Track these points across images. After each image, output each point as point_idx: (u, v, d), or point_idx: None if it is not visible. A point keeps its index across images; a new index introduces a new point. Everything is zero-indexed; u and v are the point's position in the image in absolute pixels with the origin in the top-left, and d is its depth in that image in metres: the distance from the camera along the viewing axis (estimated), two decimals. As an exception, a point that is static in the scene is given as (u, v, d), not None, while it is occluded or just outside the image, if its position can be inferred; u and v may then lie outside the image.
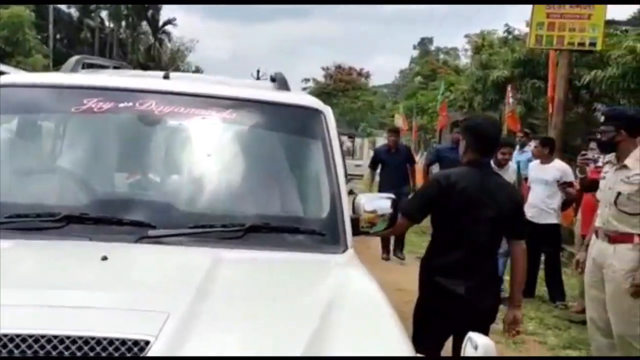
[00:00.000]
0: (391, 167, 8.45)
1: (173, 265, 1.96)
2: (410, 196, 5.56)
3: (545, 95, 11.23)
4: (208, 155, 2.51)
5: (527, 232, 3.47)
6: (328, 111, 2.67)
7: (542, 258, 6.71)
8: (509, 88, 12.91)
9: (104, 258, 1.79)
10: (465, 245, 3.14)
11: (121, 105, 2.44)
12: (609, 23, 9.87)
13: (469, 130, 3.33)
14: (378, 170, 8.90)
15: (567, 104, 9.90)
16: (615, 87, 8.19)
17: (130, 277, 1.80)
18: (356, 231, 2.40)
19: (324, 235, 2.28)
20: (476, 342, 1.58)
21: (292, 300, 1.83)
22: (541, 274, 6.71)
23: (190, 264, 1.96)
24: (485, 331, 3.17)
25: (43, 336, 1.36)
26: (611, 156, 4.15)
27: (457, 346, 3.15)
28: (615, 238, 3.92)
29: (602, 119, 4.05)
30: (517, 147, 8.66)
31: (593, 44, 9.09)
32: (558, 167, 6.45)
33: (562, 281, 6.56)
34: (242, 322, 1.60)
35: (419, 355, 1.63)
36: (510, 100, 12.72)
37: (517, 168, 7.10)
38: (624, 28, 10.89)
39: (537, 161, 6.67)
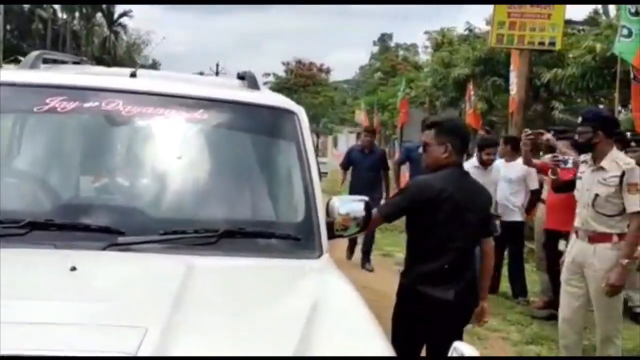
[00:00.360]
0: (363, 170, 7.93)
1: (145, 274, 1.88)
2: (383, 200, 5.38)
3: (506, 93, 11.44)
4: (179, 158, 2.42)
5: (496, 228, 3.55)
6: (301, 112, 2.62)
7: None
8: (470, 86, 13.11)
9: (73, 269, 1.70)
10: (452, 250, 3.10)
11: (86, 105, 2.33)
12: (567, 23, 10.07)
13: (454, 132, 3.22)
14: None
15: (527, 103, 10.08)
16: (574, 87, 8.37)
17: (102, 289, 1.70)
18: (331, 234, 2.36)
19: (299, 239, 2.23)
20: (462, 351, 1.56)
21: (272, 309, 1.78)
22: (503, 270, 6.81)
23: (163, 273, 1.88)
24: (461, 332, 3.22)
25: (11, 358, 1.27)
26: (586, 156, 4.19)
27: (433, 352, 3.14)
28: (594, 238, 4.00)
29: (579, 120, 4.09)
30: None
31: (552, 44, 9.27)
32: (522, 166, 6.55)
33: (524, 277, 6.67)
34: (224, 333, 1.54)
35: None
36: (472, 97, 12.91)
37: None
38: (580, 28, 11.16)
39: (502, 160, 6.77)
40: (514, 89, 9.99)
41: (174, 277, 1.76)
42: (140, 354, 1.30)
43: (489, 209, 3.36)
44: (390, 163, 8.83)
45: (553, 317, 5.16)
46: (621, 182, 3.89)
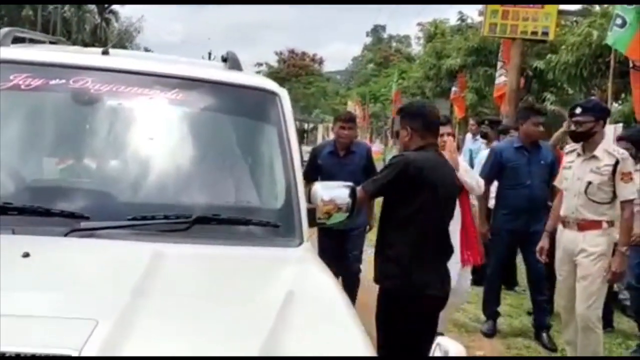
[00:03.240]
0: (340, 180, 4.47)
1: (106, 262, 1.73)
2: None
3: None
4: (150, 139, 2.28)
5: None
6: (284, 94, 2.49)
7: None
8: (459, 75, 13.13)
9: (26, 255, 1.56)
10: (435, 235, 3.15)
11: (52, 82, 2.20)
12: (560, 13, 9.96)
13: (413, 115, 3.26)
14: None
15: (518, 93, 9.98)
16: (567, 75, 8.26)
17: (55, 278, 1.55)
18: (312, 223, 2.24)
19: (278, 227, 2.11)
20: (447, 347, 1.44)
21: (242, 301, 1.64)
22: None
23: (126, 261, 1.74)
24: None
25: None
26: (573, 146, 4.28)
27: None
28: (584, 226, 4.05)
29: (579, 110, 4.09)
30: (471, 135, 8.76)
31: (546, 33, 9.17)
32: None
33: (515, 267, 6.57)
34: (184, 328, 1.41)
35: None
36: (454, 89, 13.07)
37: (470, 156, 7.18)
38: (574, 19, 11.05)
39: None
40: (499, 77, 9.96)
41: (138, 265, 1.62)
42: (85, 353, 1.17)
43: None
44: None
45: None
46: (614, 170, 3.95)
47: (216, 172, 2.32)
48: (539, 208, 4.95)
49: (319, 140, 21.86)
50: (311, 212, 2.23)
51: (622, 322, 5.49)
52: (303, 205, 2.20)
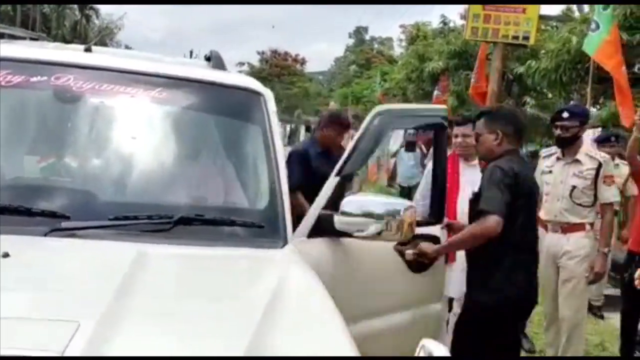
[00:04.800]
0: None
1: (87, 263, 1.70)
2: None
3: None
4: (133, 139, 2.26)
5: None
6: (268, 94, 2.48)
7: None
8: (442, 78, 13.21)
9: (5, 255, 1.52)
10: (533, 242, 3.16)
11: (34, 79, 2.17)
12: (541, 18, 10.06)
13: (505, 119, 3.18)
14: None
15: (500, 97, 10.06)
16: (547, 80, 8.35)
17: (35, 279, 1.53)
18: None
19: (262, 227, 2.10)
20: (430, 349, 1.45)
21: (225, 302, 1.63)
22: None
23: (108, 261, 1.71)
24: None
25: None
26: (550, 150, 4.36)
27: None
28: (567, 229, 4.09)
29: (566, 115, 4.11)
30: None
31: (526, 38, 9.25)
32: None
33: None
34: (168, 329, 1.39)
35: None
36: (436, 92, 13.15)
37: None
38: (554, 24, 11.17)
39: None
40: (474, 77, 10.07)
41: (119, 266, 1.60)
42: (68, 353, 1.15)
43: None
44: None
45: None
46: (597, 174, 3.99)
47: (200, 172, 2.30)
48: None
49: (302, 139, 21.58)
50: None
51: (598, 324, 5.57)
52: (287, 206, 2.18)
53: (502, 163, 3.01)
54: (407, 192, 8.75)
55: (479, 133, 3.18)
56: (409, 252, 2.80)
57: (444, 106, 3.47)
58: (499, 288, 2.99)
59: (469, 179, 3.86)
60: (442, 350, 1.44)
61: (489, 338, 2.98)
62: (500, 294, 2.99)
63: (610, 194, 4.03)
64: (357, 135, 2.63)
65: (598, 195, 4.01)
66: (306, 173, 4.13)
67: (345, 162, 2.54)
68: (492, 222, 2.85)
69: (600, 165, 4.00)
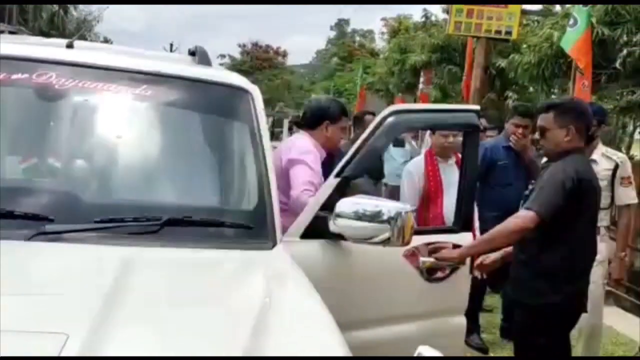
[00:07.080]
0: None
1: (74, 268, 1.66)
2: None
3: (461, 82, 11.47)
4: (118, 138, 2.20)
5: None
6: (255, 91, 2.43)
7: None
8: (422, 72, 13.23)
9: None
10: (593, 242, 3.05)
11: (15, 76, 2.11)
12: (523, 13, 10.11)
13: (577, 113, 2.94)
14: None
15: (482, 91, 10.10)
16: (529, 75, 8.40)
17: (18, 286, 1.48)
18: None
19: (251, 228, 2.06)
20: (424, 354, 1.43)
21: (217, 306, 1.60)
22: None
23: (95, 266, 1.67)
24: None
25: None
26: None
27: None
28: None
29: None
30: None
31: (509, 33, 9.28)
32: None
33: None
34: (159, 338, 1.36)
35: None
36: (421, 85, 13.12)
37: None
38: (535, 18, 11.23)
39: None
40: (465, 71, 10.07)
41: (107, 271, 1.56)
42: None
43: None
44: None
45: None
46: (613, 174, 3.88)
47: (187, 173, 2.25)
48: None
49: (285, 136, 21.14)
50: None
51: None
52: (276, 207, 2.15)
53: (569, 165, 2.82)
54: (394, 193, 8.64)
55: (546, 127, 2.92)
56: (424, 260, 2.66)
57: (476, 106, 3.26)
58: (552, 291, 2.86)
59: (450, 180, 3.74)
60: (433, 352, 1.43)
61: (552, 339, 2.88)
62: (557, 296, 2.86)
63: (627, 195, 3.89)
64: (364, 134, 2.58)
65: (615, 196, 3.88)
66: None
67: (347, 163, 2.50)
68: (526, 217, 2.72)
69: (617, 165, 3.87)
